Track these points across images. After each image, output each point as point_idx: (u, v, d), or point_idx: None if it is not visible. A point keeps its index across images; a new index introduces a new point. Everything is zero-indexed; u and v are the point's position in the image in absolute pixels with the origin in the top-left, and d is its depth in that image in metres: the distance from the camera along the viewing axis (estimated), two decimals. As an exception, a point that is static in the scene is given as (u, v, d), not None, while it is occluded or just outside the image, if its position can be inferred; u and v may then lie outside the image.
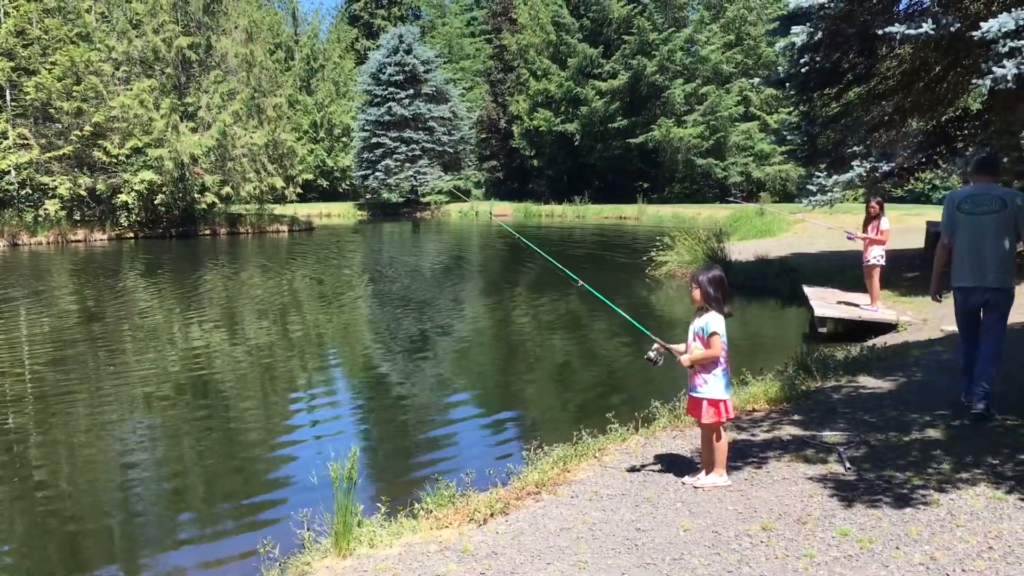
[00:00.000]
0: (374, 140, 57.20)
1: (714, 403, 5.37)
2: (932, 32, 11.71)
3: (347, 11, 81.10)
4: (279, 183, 41.52)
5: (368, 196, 60.12)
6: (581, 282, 6.47)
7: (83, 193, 35.96)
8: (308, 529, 5.21)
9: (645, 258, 19.85)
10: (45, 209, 35.47)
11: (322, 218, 53.61)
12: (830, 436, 6.27)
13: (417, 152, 57.13)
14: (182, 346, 13.23)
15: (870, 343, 10.31)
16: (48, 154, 35.10)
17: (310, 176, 59.93)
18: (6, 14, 35.34)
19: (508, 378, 11.37)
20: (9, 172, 34.52)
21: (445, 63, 66.78)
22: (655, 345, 5.60)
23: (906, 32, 11.91)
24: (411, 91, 57.09)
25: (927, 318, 11.66)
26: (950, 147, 16.35)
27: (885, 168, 14.61)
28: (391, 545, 4.96)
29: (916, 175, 17.55)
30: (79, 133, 35.40)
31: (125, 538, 6.24)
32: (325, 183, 66.30)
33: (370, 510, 5.64)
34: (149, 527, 6.43)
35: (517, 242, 33.64)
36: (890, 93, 15.31)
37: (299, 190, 47.03)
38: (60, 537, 6.28)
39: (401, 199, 57.91)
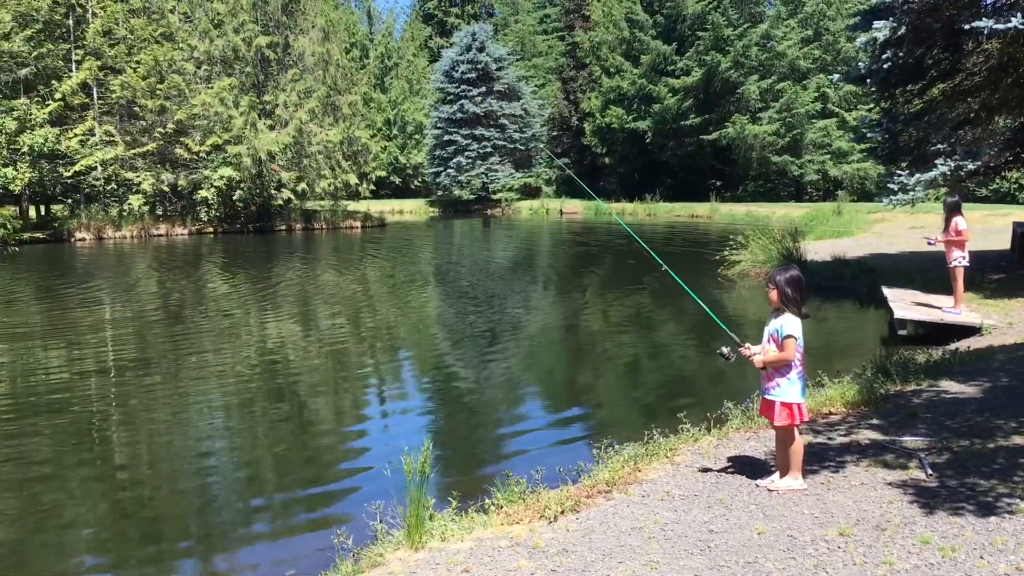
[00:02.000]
0: (446, 137, 57.63)
1: (787, 406, 5.29)
2: (1022, 26, 11.31)
3: (421, 9, 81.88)
4: (353, 180, 42.14)
5: (440, 193, 60.59)
6: (665, 267, 6.45)
7: (165, 189, 37.03)
8: (381, 521, 5.28)
9: (718, 257, 19.60)
10: (129, 204, 36.65)
11: (394, 215, 54.25)
12: (910, 441, 6.10)
13: (488, 149, 57.37)
14: (258, 339, 13.53)
15: (952, 347, 10.01)
16: (132, 151, 36.25)
17: (383, 173, 60.70)
18: (94, 15, 36.54)
19: (578, 375, 11.35)
20: (96, 168, 35.71)
21: (517, 60, 66.84)
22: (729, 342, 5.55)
23: (994, 26, 11.52)
24: (483, 88, 57.33)
25: (1012, 321, 11.27)
26: (1039, 145, 15.78)
27: (970, 167, 14.15)
28: (462, 539, 5.00)
29: (1002, 174, 16.95)
30: (162, 130, 36.51)
31: (201, 524, 6.41)
32: (398, 180, 67.09)
33: (441, 504, 5.69)
34: (224, 515, 6.59)
35: (586, 240, 33.60)
36: (976, 89, 14.82)
37: (372, 187, 47.61)
38: (138, 520, 6.49)
39: (472, 196, 58.20)
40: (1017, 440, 5.92)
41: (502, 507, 5.53)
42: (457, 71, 57.41)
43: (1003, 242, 18.26)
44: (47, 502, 6.76)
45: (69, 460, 7.76)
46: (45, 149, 32.95)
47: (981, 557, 4.18)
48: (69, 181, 35.53)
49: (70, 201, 38.26)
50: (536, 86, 66.67)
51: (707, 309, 6.29)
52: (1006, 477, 5.21)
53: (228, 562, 5.77)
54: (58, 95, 34.22)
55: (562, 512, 5.27)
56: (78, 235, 34.69)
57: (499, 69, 58.24)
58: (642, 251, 7.94)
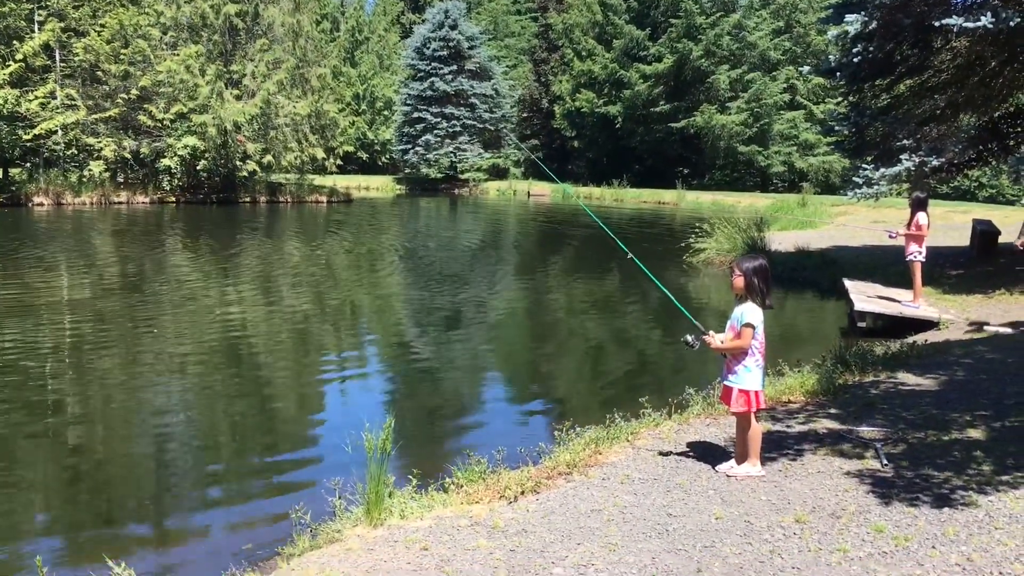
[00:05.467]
0: (415, 115, 57.14)
1: (744, 392, 5.34)
2: (990, 25, 11.43)
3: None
4: (320, 154, 41.71)
5: (407, 171, 60.16)
6: (630, 255, 6.44)
7: (127, 156, 36.37)
8: (340, 497, 5.25)
9: (683, 244, 19.70)
10: (89, 170, 35.92)
11: (360, 191, 53.76)
12: (867, 431, 6.19)
13: (458, 128, 57.01)
14: (218, 313, 13.37)
15: (910, 340, 10.16)
16: (94, 115, 35.48)
17: (350, 148, 60.16)
18: (59, -25, 35.65)
19: (541, 358, 11.36)
20: (56, 132, 34.95)
21: (490, 40, 66.42)
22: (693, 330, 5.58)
23: (964, 24, 11.64)
24: (454, 67, 56.89)
25: (969, 317, 11.47)
26: (1002, 144, 16.01)
27: (934, 163, 14.33)
28: (422, 517, 4.99)
29: (965, 171, 17.19)
30: (125, 96, 35.74)
31: (157, 500, 6.32)
32: (365, 156, 66.51)
33: (401, 482, 5.66)
34: (181, 489, 6.51)
35: (552, 224, 33.61)
36: (943, 87, 14.97)
37: (339, 162, 47.19)
38: (92, 496, 6.39)
39: (440, 175, 57.89)
40: (971, 433, 6.02)
41: (462, 486, 5.53)
42: (428, 48, 56.89)
43: (962, 238, 18.54)
44: (-2, 470, 6.64)
45: (20, 428, 7.61)
46: (4, 111, 32.16)
47: (933, 547, 4.25)
48: (28, 144, 34.70)
49: (29, 165, 37.42)
50: (508, 67, 66.38)
51: (672, 297, 6.31)
52: (960, 469, 5.30)
53: (184, 536, 5.70)
54: (19, 56, 33.37)
55: (522, 493, 5.28)
56: (36, 200, 33.90)
57: (471, 48, 57.79)
58: (608, 236, 7.95)
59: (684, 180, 48.88)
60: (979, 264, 15.75)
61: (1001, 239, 16.71)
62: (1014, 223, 19.43)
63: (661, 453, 5.98)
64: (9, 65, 33.11)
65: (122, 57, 35.51)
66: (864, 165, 15.68)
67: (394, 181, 59.89)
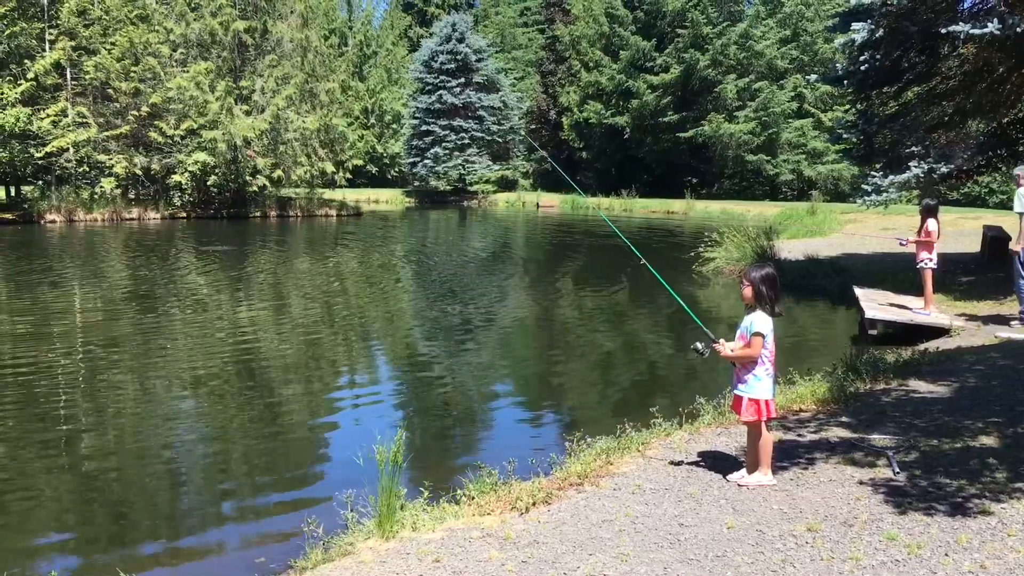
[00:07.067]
0: (424, 128, 57.39)
1: (755, 402, 5.34)
2: (997, 32, 11.43)
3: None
4: (329, 168, 41.82)
5: (416, 183, 60.41)
6: (643, 260, 6.46)
7: (138, 172, 36.57)
8: (352, 510, 5.26)
9: (692, 254, 19.69)
10: (101, 187, 36.15)
11: (370, 204, 53.97)
12: (879, 439, 6.17)
13: (466, 141, 57.20)
14: (229, 326, 13.42)
15: (922, 347, 10.13)
16: (105, 133, 35.72)
17: (360, 162, 60.22)
18: (69, -7, 35.95)
19: (551, 368, 11.36)
20: (68, 149, 35.18)
21: (497, 52, 66.69)
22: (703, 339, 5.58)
23: (970, 31, 11.64)
24: (462, 80, 57.13)
25: (981, 323, 11.42)
26: (1011, 150, 15.97)
27: (943, 170, 14.31)
28: (434, 529, 5.00)
29: (975, 178, 17.15)
30: (136, 113, 36.00)
31: (169, 512, 6.35)
32: (374, 169, 66.74)
33: (413, 494, 5.67)
34: (193, 502, 6.54)
35: (562, 234, 33.62)
36: (951, 93, 14.97)
37: (348, 175, 47.33)
38: (105, 509, 6.41)
39: (449, 187, 58.09)
40: (984, 440, 5.99)
41: (474, 498, 5.54)
42: (436, 61, 57.15)
43: (973, 245, 18.48)
44: (11, 483, 6.67)
45: (35, 445, 7.66)
46: (16, 129, 32.43)
47: (946, 554, 4.23)
48: (40, 162, 34.95)
49: (41, 183, 37.68)
50: (515, 79, 66.63)
51: (684, 305, 6.32)
52: (972, 477, 5.28)
53: (197, 551, 5.71)
54: (31, 75, 33.67)
55: (534, 504, 5.28)
56: (48, 217, 34.15)
57: (478, 60, 58.04)
58: (617, 246, 7.97)
59: (693, 189, 48.91)
60: (990, 270, 15.68)
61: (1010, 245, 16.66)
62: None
63: (672, 463, 5.98)
64: (20, 84, 33.39)
65: (132, 74, 35.76)
66: (873, 172, 15.66)
67: (403, 194, 60.10)
